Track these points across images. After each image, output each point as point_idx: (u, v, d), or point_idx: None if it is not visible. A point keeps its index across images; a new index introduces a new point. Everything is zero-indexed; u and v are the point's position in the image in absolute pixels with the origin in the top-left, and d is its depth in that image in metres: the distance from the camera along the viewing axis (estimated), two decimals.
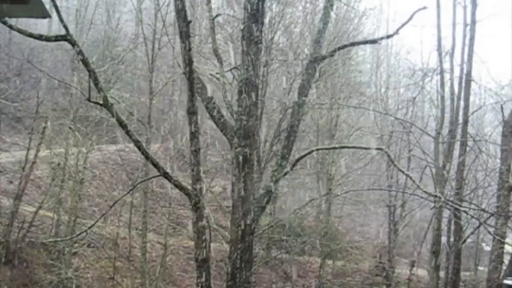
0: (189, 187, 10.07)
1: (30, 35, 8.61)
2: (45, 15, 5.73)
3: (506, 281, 16.71)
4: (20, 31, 8.45)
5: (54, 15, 8.68)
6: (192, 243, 13.95)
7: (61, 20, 8.65)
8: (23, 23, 18.29)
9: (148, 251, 22.16)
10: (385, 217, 27.27)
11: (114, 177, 25.94)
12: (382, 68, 42.00)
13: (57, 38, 9.02)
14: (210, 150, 27.38)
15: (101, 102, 9.36)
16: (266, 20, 19.04)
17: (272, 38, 21.61)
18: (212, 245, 14.77)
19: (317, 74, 18.12)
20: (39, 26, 30.90)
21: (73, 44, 8.79)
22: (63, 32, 8.79)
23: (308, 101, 17.22)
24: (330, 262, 25.45)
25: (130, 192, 16.69)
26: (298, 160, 12.24)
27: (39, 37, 8.93)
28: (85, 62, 9.01)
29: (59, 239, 19.91)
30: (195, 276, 11.23)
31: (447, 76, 21.35)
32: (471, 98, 21.57)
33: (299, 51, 22.95)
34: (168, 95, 31.76)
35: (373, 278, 26.44)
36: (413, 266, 25.72)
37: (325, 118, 24.99)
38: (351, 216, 29.11)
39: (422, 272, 26.15)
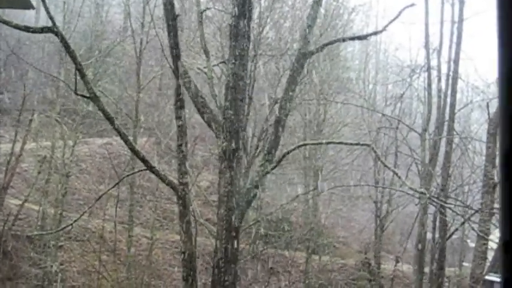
0: (176, 181, 10.07)
1: (16, 26, 8.54)
2: (28, 6, 5.70)
3: (488, 277, 16.88)
4: (5, 22, 8.37)
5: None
6: (178, 237, 13.94)
7: (47, 11, 8.58)
8: (11, 14, 18.10)
9: (135, 245, 22.12)
10: (372, 213, 27.39)
11: (101, 171, 25.79)
12: (370, 65, 42.16)
13: (43, 30, 8.96)
14: (197, 145, 27.32)
15: (88, 95, 9.31)
16: (255, 15, 19.01)
17: (261, 33, 21.56)
18: (199, 239, 14.78)
19: (305, 70, 18.12)
20: (27, 17, 30.58)
21: (59, 36, 8.73)
22: (50, 24, 8.72)
23: (296, 96, 17.25)
24: (316, 257, 25.54)
25: (116, 186, 16.63)
26: (284, 155, 12.28)
27: (25, 28, 8.85)
28: (71, 55, 8.97)
29: (44, 232, 19.81)
30: (181, 270, 11.23)
31: (434, 73, 21.49)
32: (458, 96, 21.76)
33: (288, 46, 22.94)
34: (156, 89, 31.64)
35: (358, 274, 26.56)
36: (398, 261, 25.87)
37: (312, 113, 25.02)
38: (338, 211, 29.20)
39: (407, 268, 26.32)
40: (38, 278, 19.65)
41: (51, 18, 8.61)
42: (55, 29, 8.66)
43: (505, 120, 1.25)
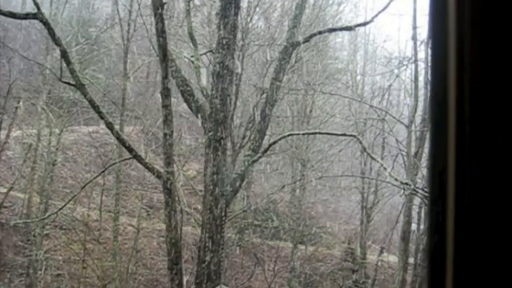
0: (162, 170, 10.05)
1: (0, 12, 8.43)
2: None
3: None
4: None
5: None
6: (164, 226, 13.93)
7: None
8: None
9: (121, 234, 22.07)
10: (358, 203, 27.51)
11: (87, 159, 25.64)
12: (359, 56, 42.16)
13: (28, 16, 8.87)
14: (185, 134, 27.25)
15: (74, 82, 9.25)
16: (243, 4, 18.93)
17: (249, 22, 21.51)
18: (185, 228, 14.77)
19: (293, 60, 18.12)
20: (14, 3, 30.24)
21: (44, 22, 8.64)
22: (36, 10, 8.62)
23: (283, 86, 17.25)
24: (302, 247, 25.64)
25: (102, 174, 16.58)
26: (271, 145, 12.30)
27: (9, 14, 8.76)
28: (57, 42, 8.89)
29: (29, 221, 19.72)
30: (166, 260, 11.24)
31: (422, 65, 21.57)
32: None
33: (276, 36, 22.90)
34: (143, 77, 31.47)
35: (343, 264, 26.72)
36: (382, 252, 26.04)
37: (300, 104, 25.04)
38: (324, 202, 29.32)
39: (392, 258, 26.50)
40: (23, 267, 19.57)
41: (36, 4, 8.52)
42: (40, 15, 8.57)
43: (435, 138, 1.09)
